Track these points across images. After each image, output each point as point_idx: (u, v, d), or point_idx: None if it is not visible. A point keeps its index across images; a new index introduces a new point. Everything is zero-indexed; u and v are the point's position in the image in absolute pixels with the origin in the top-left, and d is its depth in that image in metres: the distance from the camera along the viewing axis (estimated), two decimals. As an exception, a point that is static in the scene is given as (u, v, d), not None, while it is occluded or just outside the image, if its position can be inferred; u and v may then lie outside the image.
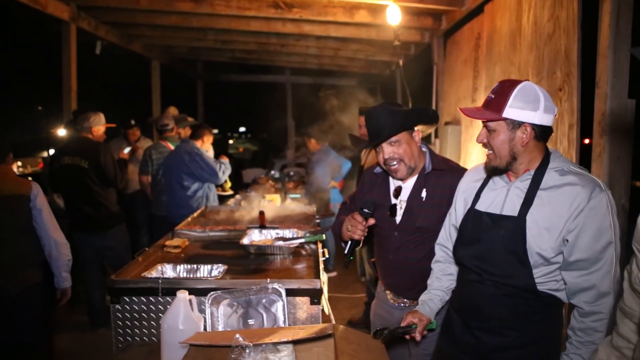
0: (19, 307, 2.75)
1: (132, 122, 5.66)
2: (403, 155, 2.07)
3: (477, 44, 4.28)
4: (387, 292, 2.29)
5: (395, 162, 2.08)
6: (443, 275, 1.97)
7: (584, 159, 2.52)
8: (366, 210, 2.02)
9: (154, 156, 5.07)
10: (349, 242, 2.05)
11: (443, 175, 2.10)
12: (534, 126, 1.60)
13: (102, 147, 4.13)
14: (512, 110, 1.58)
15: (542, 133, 1.63)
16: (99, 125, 4.19)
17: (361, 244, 2.13)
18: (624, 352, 1.32)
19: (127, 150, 4.90)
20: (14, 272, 2.75)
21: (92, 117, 4.15)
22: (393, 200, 2.20)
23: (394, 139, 2.06)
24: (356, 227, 2.01)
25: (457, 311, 1.86)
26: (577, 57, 2.59)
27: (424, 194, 2.11)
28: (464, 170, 2.09)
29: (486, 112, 1.64)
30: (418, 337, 1.85)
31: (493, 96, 1.64)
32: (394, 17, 4.54)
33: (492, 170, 1.73)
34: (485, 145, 1.70)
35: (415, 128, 2.12)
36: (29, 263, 2.84)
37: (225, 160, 4.86)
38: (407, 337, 1.86)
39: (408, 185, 2.17)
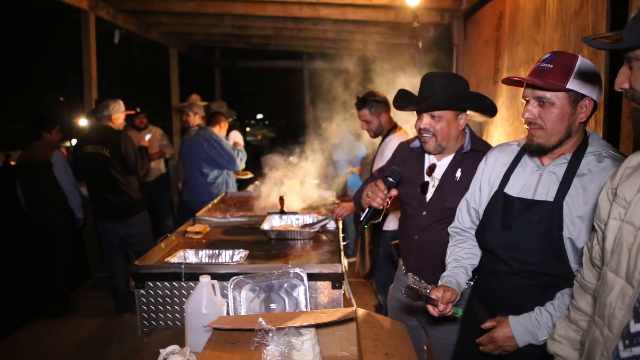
0: (57, 224, 4.41)
1: (138, 109, 5.70)
2: (438, 132, 2.03)
3: (498, 24, 4.16)
4: (409, 275, 2.24)
5: (427, 134, 2.05)
6: (464, 253, 1.83)
7: (612, 139, 2.44)
8: (390, 179, 1.94)
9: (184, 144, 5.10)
10: (367, 210, 1.98)
11: (478, 157, 2.00)
12: (594, 102, 1.52)
13: (123, 135, 4.17)
14: (577, 82, 1.48)
15: (594, 111, 1.55)
16: (118, 113, 4.22)
17: (380, 217, 2.06)
18: (581, 324, 1.34)
19: (147, 137, 4.92)
20: (53, 203, 4.37)
21: (112, 105, 4.18)
22: (426, 178, 2.14)
23: (437, 113, 2.01)
24: (376, 194, 1.93)
25: (483, 303, 1.79)
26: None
27: (458, 173, 2.06)
28: None
29: (547, 80, 1.50)
30: (435, 312, 1.66)
31: (551, 66, 1.50)
32: (412, -3, 4.44)
33: (537, 149, 1.58)
34: (532, 121, 1.56)
35: (466, 112, 2.06)
36: (59, 200, 4.39)
37: (240, 147, 4.88)
38: (429, 307, 1.68)
39: (443, 164, 2.12)
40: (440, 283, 1.79)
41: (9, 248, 4.77)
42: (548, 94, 1.52)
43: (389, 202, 1.99)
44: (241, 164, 4.72)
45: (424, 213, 2.12)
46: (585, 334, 1.26)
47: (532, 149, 1.61)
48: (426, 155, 2.19)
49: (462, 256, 1.83)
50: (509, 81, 1.64)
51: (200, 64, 10.54)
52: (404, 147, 2.35)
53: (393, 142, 3.47)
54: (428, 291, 1.67)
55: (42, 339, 3.94)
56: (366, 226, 2.00)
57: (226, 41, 8.62)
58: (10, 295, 4.36)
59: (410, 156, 2.25)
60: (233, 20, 6.46)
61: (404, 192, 2.18)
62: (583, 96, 1.51)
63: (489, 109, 2.11)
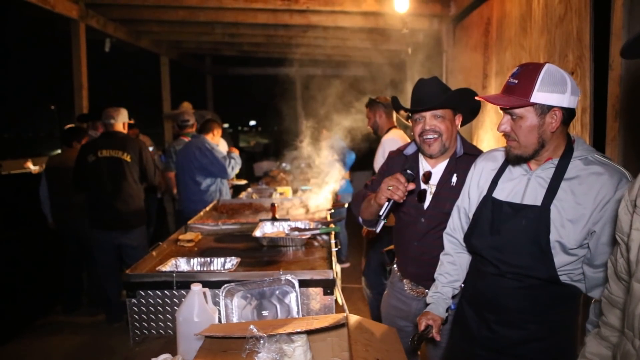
0: (84, 228, 4.29)
1: (132, 121, 5.65)
2: (444, 131, 2.05)
3: (486, 30, 4.22)
4: (405, 281, 2.25)
5: (433, 136, 2.05)
6: (452, 270, 1.94)
7: (598, 142, 2.48)
8: (409, 172, 1.93)
9: (178, 152, 5.05)
10: (387, 203, 1.94)
11: (471, 160, 2.03)
12: (563, 110, 1.54)
13: (142, 144, 4.16)
14: (541, 95, 1.51)
15: (569, 117, 1.57)
16: (127, 120, 4.20)
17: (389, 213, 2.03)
18: (612, 340, 1.33)
19: (151, 149, 4.85)
20: (80, 207, 4.29)
21: (123, 111, 4.15)
22: (422, 185, 2.15)
23: (440, 112, 2.03)
24: (398, 187, 1.89)
25: (471, 304, 1.82)
26: (590, 39, 2.54)
27: (454, 178, 2.08)
28: None
29: (511, 98, 1.55)
30: (438, 337, 1.84)
31: (516, 81, 1.56)
32: (401, 4, 4.50)
33: (515, 160, 1.65)
34: (507, 134, 1.62)
35: (457, 113, 2.11)
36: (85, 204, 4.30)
37: (235, 153, 4.85)
38: (435, 335, 1.86)
39: (438, 170, 2.14)
40: (429, 300, 1.95)
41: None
42: (516, 110, 1.56)
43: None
44: (233, 172, 4.69)
45: (423, 220, 2.13)
46: (616, 348, 1.25)
47: (511, 159, 1.67)
48: (420, 162, 2.20)
49: (451, 274, 1.94)
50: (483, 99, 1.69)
51: (192, 72, 10.56)
52: (395, 156, 2.34)
53: (387, 141, 3.85)
54: (424, 331, 1.85)
55: (33, 350, 3.90)
56: (384, 221, 1.97)
57: (217, 49, 8.65)
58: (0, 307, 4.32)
59: (403, 164, 2.22)
60: (224, 28, 6.49)
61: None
62: (550, 107, 1.53)
63: (477, 107, 2.16)
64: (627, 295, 1.18)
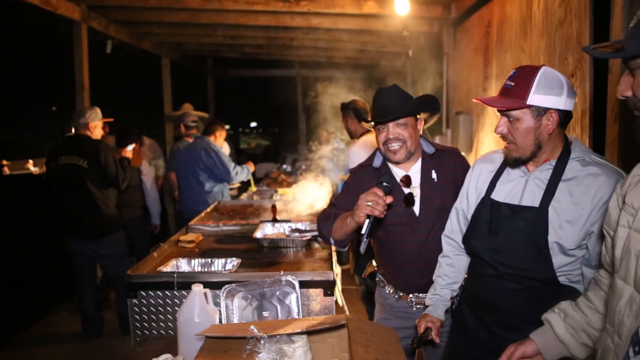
0: (136, 227, 4.70)
1: (111, 119, 5.30)
2: (408, 137, 2.06)
3: (487, 32, 4.23)
4: (410, 297, 2.16)
5: (397, 144, 2.06)
6: (451, 272, 1.95)
7: (597, 145, 2.48)
8: (386, 184, 1.82)
9: (180, 152, 4.99)
10: (368, 221, 1.80)
11: (442, 155, 2.15)
12: (560, 112, 1.55)
13: (102, 145, 3.83)
14: (537, 97, 1.53)
15: (565, 119, 1.58)
16: (95, 121, 3.89)
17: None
18: (582, 307, 1.40)
19: (130, 147, 4.61)
20: (133, 207, 4.66)
21: (88, 112, 3.87)
22: (406, 190, 2.13)
23: (402, 120, 2.05)
24: (378, 202, 1.76)
25: (470, 306, 1.82)
26: (590, 42, 2.55)
27: (434, 174, 2.11)
28: (457, 150, 2.20)
29: (508, 100, 1.57)
30: (437, 339, 1.85)
31: (513, 83, 1.57)
32: (402, 7, 4.51)
33: (514, 162, 1.65)
34: (504, 136, 1.63)
35: (418, 117, 2.14)
36: (137, 205, 4.77)
37: (248, 166, 4.86)
38: (434, 337, 1.86)
39: (415, 171, 2.14)
40: (428, 303, 1.96)
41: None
42: (512, 112, 1.58)
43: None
44: (236, 178, 4.67)
45: (419, 224, 2.10)
46: (597, 343, 1.27)
47: (509, 162, 1.69)
48: (393, 170, 2.15)
49: (449, 276, 1.95)
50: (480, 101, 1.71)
51: (193, 73, 10.58)
52: (360, 171, 2.26)
53: (351, 153, 3.76)
54: (424, 334, 1.86)
55: (34, 352, 3.91)
56: (367, 240, 1.82)
57: (218, 50, 8.67)
58: None
59: (377, 176, 2.01)
60: (225, 30, 6.51)
61: (388, 213, 1.98)
62: (547, 109, 1.55)
63: (437, 107, 2.19)
64: (610, 290, 1.19)
